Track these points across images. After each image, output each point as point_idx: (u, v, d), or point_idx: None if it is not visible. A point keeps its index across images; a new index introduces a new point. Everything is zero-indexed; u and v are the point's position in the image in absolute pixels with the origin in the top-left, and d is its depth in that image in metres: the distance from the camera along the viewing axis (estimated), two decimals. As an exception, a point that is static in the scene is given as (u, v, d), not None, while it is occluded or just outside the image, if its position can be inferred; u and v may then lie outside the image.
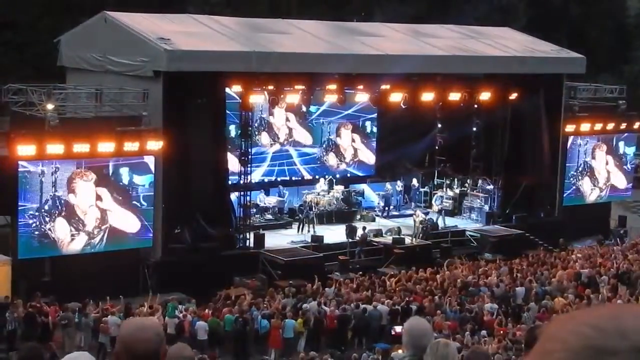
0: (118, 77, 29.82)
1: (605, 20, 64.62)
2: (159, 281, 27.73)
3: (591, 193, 39.45)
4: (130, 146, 27.73)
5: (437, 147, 39.46)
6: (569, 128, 37.80)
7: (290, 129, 36.69)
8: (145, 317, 19.48)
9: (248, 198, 31.70)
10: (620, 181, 40.56)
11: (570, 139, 38.16)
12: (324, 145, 37.77)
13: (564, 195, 38.23)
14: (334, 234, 32.91)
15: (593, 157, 39.26)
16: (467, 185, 38.24)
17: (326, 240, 32.01)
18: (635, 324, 1.00)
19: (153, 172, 28.30)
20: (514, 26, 43.32)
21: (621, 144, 40.33)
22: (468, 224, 36.43)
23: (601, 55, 57.94)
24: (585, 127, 38.36)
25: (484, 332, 24.15)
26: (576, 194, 38.90)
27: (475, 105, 36.57)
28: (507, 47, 36.85)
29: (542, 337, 1.06)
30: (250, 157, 31.99)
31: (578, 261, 32.47)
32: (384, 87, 33.58)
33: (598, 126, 38.83)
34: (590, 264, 32.18)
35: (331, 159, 37.99)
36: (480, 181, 37.84)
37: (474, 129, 38.13)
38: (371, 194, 37.91)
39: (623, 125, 39.92)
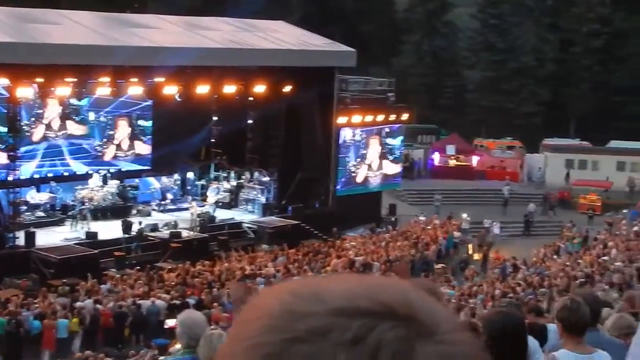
0: None
1: (377, 15, 66.73)
2: None
3: (364, 182, 40.60)
4: None
5: (213, 140, 39.49)
6: (341, 120, 38.74)
7: (62, 123, 35.61)
8: None
9: (17, 195, 30.57)
10: (390, 170, 42.02)
11: (343, 130, 39.13)
12: (98, 139, 36.95)
13: (338, 185, 39.16)
14: (109, 229, 32.23)
15: (365, 148, 40.43)
16: (243, 177, 38.49)
17: (101, 237, 31.28)
18: (331, 288, 1.03)
19: None
20: (288, 20, 43.91)
21: (390, 134, 41.75)
22: (245, 215, 36.68)
23: (374, 49, 59.82)
24: (356, 118, 39.40)
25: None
26: (349, 184, 39.93)
27: (251, 98, 36.91)
28: (281, 40, 37.33)
29: (247, 306, 1.08)
30: (19, 152, 30.84)
31: (352, 249, 33.42)
32: (158, 79, 33.26)
33: (369, 118, 40.01)
34: (364, 252, 33.21)
35: (105, 153, 37.23)
36: (256, 173, 38.21)
37: (250, 121, 38.49)
38: (149, 187, 37.37)
39: (392, 117, 41.35)
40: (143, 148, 38.34)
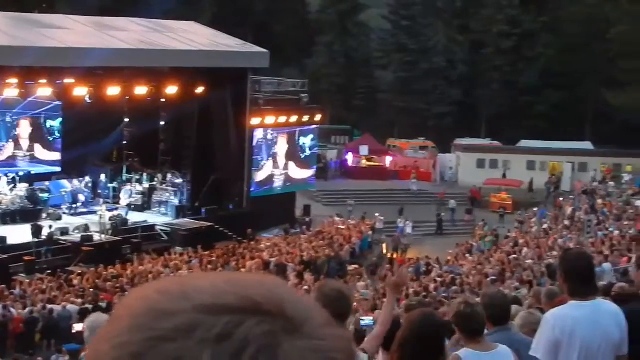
0: None
1: (289, 16, 66.80)
2: None
3: (269, 181, 40.37)
4: None
5: (125, 142, 39.05)
6: (255, 121, 38.65)
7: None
8: None
9: None
10: (303, 171, 42.07)
11: (257, 131, 39.06)
12: (4, 141, 36.18)
13: (252, 186, 39.04)
14: (19, 233, 31.56)
15: (277, 149, 40.39)
16: (156, 179, 38.15)
17: (10, 241, 30.60)
18: (198, 286, 1.02)
19: None
20: (200, 20, 43.67)
21: (303, 135, 41.82)
22: (158, 218, 36.34)
23: (286, 50, 59.84)
24: (270, 120, 39.37)
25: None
26: (263, 185, 39.86)
27: (163, 99, 36.58)
28: (193, 41, 37.07)
29: (116, 306, 1.07)
30: None
31: (266, 250, 33.39)
32: (68, 81, 32.73)
33: (282, 119, 40.01)
34: (278, 253, 33.19)
35: (14, 156, 36.47)
36: (169, 175, 37.90)
37: (162, 123, 38.18)
38: (59, 190, 36.71)
39: (306, 118, 41.42)
40: (50, 149, 37.62)
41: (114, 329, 1.02)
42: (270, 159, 40.07)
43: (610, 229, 33.77)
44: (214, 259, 31.63)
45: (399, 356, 4.94)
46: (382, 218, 42.70)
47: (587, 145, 57.36)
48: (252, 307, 1.00)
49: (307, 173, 42.55)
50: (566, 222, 38.70)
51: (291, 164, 41.16)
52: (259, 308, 1.00)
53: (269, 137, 39.89)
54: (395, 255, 38.33)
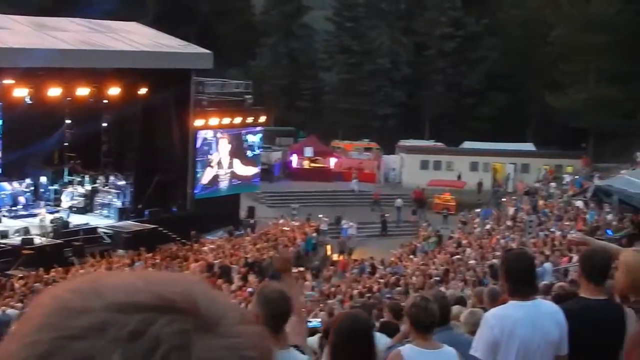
0: None
1: (233, 17, 66.64)
2: None
3: (214, 183, 40.15)
4: None
5: (66, 144, 38.59)
6: (198, 122, 38.47)
7: None
8: None
9: None
10: (249, 169, 41.97)
11: (200, 133, 38.87)
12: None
13: (196, 188, 38.84)
14: (-43, 237, 31.12)
15: (219, 150, 40.18)
16: (98, 181, 37.78)
17: (-52, 245, 30.18)
18: (111, 284, 1.01)
19: None
20: (142, 21, 43.34)
21: (249, 137, 41.74)
22: (101, 220, 35.97)
23: (231, 51, 59.66)
24: (214, 121, 39.21)
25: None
26: (209, 187, 39.66)
27: (105, 101, 36.26)
28: (135, 41, 36.80)
29: (29, 305, 1.06)
30: None
31: (210, 252, 33.24)
32: (7, 81, 32.26)
33: (226, 120, 39.87)
34: (222, 255, 33.07)
35: None
36: (111, 177, 37.57)
37: (104, 124, 37.82)
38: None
39: (250, 119, 41.33)
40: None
41: (25, 328, 1.00)
42: (214, 160, 39.88)
43: (552, 230, 34.15)
44: (157, 261, 31.39)
45: (333, 361, 4.96)
46: (326, 219, 42.79)
47: (529, 146, 58.05)
48: (166, 305, 0.98)
49: (252, 170, 42.50)
50: (508, 223, 39.09)
51: (236, 161, 41.04)
52: (173, 306, 0.98)
53: (213, 138, 39.69)
54: (341, 257, 38.46)
